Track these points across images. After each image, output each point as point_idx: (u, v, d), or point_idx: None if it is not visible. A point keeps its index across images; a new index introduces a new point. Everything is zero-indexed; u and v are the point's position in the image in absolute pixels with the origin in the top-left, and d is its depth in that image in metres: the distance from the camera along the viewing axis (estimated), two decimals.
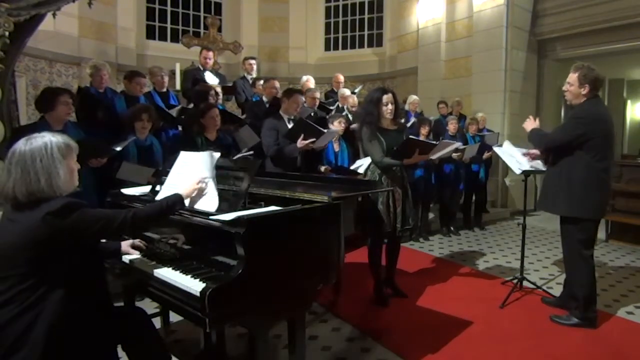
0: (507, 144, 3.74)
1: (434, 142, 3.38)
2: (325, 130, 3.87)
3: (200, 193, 1.97)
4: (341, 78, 6.51)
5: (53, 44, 6.80)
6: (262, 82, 5.55)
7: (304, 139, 3.77)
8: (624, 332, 2.97)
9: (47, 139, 1.58)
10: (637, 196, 5.34)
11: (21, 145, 1.56)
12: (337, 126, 4.42)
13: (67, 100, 3.06)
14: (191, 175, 2.09)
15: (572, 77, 2.94)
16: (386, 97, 3.19)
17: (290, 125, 3.97)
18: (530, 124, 3.24)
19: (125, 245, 2.00)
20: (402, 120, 3.62)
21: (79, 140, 3.05)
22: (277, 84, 5.21)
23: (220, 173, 2.03)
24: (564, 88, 3.06)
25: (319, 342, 2.76)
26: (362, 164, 4.21)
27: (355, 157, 4.64)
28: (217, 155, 2.03)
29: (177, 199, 1.86)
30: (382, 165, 3.20)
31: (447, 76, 8.40)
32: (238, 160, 2.05)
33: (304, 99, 4.24)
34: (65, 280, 1.55)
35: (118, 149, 3.20)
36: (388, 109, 3.20)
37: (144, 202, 2.24)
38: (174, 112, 4.17)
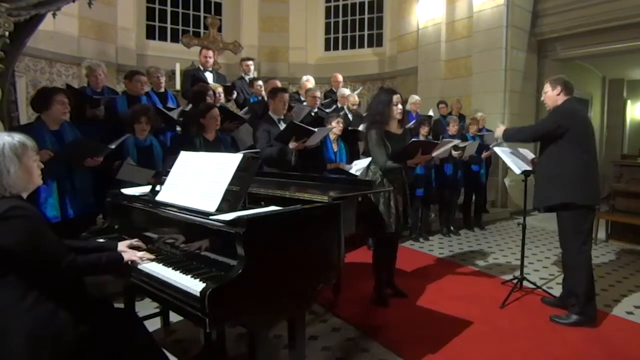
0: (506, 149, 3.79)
1: (436, 142, 3.39)
2: (316, 130, 3.86)
3: (200, 194, 1.97)
4: (340, 78, 6.50)
5: (53, 44, 6.80)
6: (260, 82, 5.55)
7: (296, 139, 3.78)
8: (624, 332, 2.97)
9: (1, 139, 1.60)
10: (637, 196, 5.34)
11: None
12: (335, 126, 4.42)
13: (62, 100, 3.06)
14: (194, 175, 2.09)
15: (545, 86, 3.24)
16: (396, 98, 3.22)
17: (281, 125, 3.97)
18: (500, 129, 3.47)
19: (122, 245, 1.99)
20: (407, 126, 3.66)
21: (74, 140, 3.09)
22: (278, 83, 5.22)
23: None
24: (542, 99, 3.32)
25: (319, 342, 2.75)
26: (358, 167, 4.22)
27: (353, 157, 4.64)
28: (238, 157, 1.98)
29: (116, 259, 1.84)
30: (386, 169, 3.20)
31: (447, 76, 8.40)
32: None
33: (288, 96, 4.22)
34: (35, 285, 1.54)
35: (112, 146, 3.20)
36: (398, 109, 3.23)
37: (145, 202, 2.25)
38: (174, 114, 4.16)
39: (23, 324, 1.48)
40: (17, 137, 1.63)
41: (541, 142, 3.23)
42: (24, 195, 1.66)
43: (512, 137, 3.39)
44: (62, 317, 1.56)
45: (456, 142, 3.72)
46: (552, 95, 3.16)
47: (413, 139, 3.33)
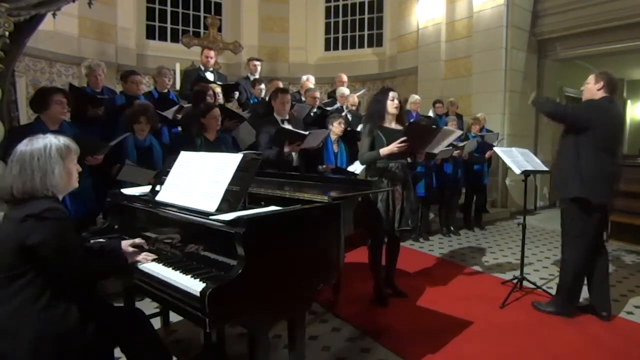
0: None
1: (435, 127, 3.40)
2: (307, 133, 3.86)
3: (199, 194, 1.98)
4: (344, 78, 6.54)
5: (53, 44, 6.80)
6: (262, 86, 5.56)
7: (291, 143, 3.80)
8: (625, 332, 2.97)
9: (48, 140, 1.64)
10: (637, 196, 5.34)
11: (23, 145, 1.63)
12: (336, 127, 4.42)
13: (61, 100, 3.06)
14: (194, 175, 2.09)
15: (589, 77, 3.10)
16: (392, 94, 3.31)
17: (284, 126, 3.99)
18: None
19: (125, 244, 1.99)
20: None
21: (74, 138, 3.08)
22: (280, 84, 5.25)
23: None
24: (582, 88, 3.18)
25: (319, 342, 2.75)
26: (355, 167, 4.23)
27: (353, 158, 4.65)
28: (238, 157, 1.98)
29: (122, 262, 1.87)
30: (362, 161, 3.28)
31: (447, 76, 8.40)
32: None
33: (290, 97, 4.24)
34: (51, 285, 1.55)
35: (112, 143, 3.20)
36: (394, 104, 3.28)
37: (145, 202, 2.25)
38: (169, 113, 4.15)
39: (34, 324, 1.49)
40: (62, 140, 1.68)
41: (562, 133, 3.20)
42: (60, 197, 1.68)
43: (540, 105, 3.32)
44: (72, 318, 1.57)
45: (459, 132, 3.69)
46: (591, 88, 3.05)
47: (412, 121, 3.38)
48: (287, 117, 4.10)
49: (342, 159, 4.54)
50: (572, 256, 3.10)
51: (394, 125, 3.32)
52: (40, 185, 1.58)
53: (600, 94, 3.01)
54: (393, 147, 3.08)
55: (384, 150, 3.12)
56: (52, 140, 1.64)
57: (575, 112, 3.11)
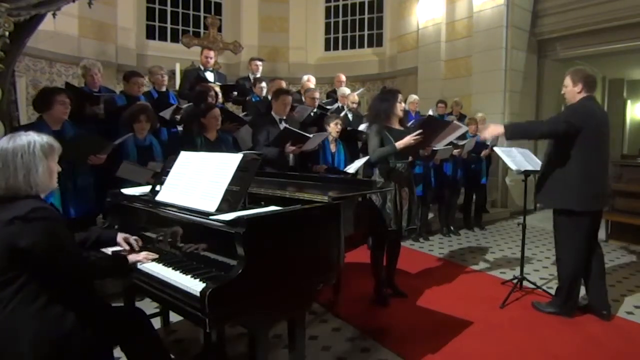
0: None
1: (448, 120, 3.42)
2: (311, 136, 3.88)
3: (200, 194, 1.98)
4: (343, 78, 6.53)
5: (53, 44, 6.80)
6: (263, 84, 5.57)
7: (293, 144, 3.81)
8: (624, 332, 2.97)
9: (31, 137, 1.60)
10: (637, 196, 5.34)
11: (4, 142, 1.58)
12: (332, 127, 4.41)
13: (63, 100, 3.07)
14: (194, 175, 2.09)
15: (566, 79, 3.12)
16: (401, 96, 3.39)
17: (281, 125, 4.02)
18: (494, 129, 3.15)
19: (120, 237, 2.00)
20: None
21: (78, 136, 3.09)
22: (283, 84, 5.27)
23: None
24: (562, 91, 3.20)
25: (319, 342, 2.76)
26: (354, 167, 4.23)
27: (353, 157, 4.64)
28: (238, 157, 1.99)
29: (122, 262, 1.86)
30: (374, 158, 3.28)
31: (447, 76, 8.40)
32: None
33: (291, 98, 4.27)
34: (46, 287, 1.54)
35: (116, 142, 3.21)
36: (402, 106, 3.38)
37: (145, 202, 2.25)
38: (167, 113, 4.14)
39: (32, 326, 1.48)
40: (45, 138, 1.65)
41: (550, 141, 3.18)
42: (42, 196, 1.66)
43: (518, 134, 3.19)
44: (71, 320, 1.56)
45: (465, 128, 3.68)
46: (572, 91, 3.07)
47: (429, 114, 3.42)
48: (285, 117, 4.13)
49: (340, 158, 4.52)
50: (565, 257, 3.12)
51: (397, 126, 3.37)
52: (23, 183, 1.55)
53: (581, 96, 3.03)
54: (409, 139, 3.11)
55: (399, 144, 3.15)
56: (35, 138, 1.60)
57: (558, 125, 2.99)
